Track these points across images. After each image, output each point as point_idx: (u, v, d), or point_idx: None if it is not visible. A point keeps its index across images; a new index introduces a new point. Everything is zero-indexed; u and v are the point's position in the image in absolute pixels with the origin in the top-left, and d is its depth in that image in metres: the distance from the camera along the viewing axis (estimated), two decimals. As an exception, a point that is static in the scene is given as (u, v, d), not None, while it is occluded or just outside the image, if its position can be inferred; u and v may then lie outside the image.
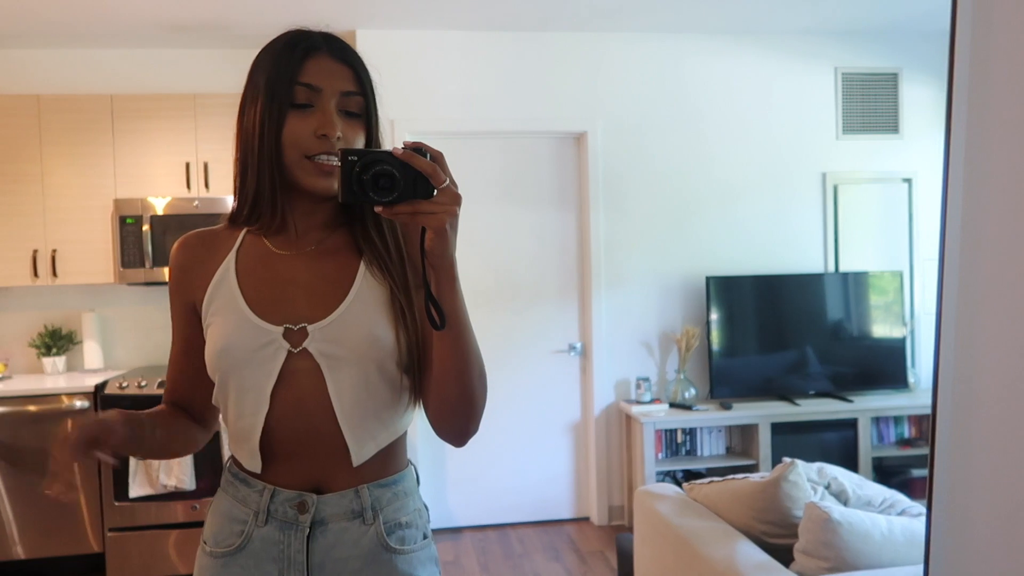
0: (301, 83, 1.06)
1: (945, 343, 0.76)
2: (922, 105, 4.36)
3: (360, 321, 1.07)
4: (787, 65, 4.27)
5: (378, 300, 1.09)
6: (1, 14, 3.54)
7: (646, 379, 4.03)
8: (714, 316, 4.03)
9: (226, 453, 3.45)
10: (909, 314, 4.32)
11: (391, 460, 1.14)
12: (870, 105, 4.33)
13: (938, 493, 0.83)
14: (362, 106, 1.10)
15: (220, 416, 1.17)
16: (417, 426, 3.44)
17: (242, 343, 1.07)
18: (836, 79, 4.30)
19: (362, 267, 1.11)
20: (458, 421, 1.07)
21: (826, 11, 3.90)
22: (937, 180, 4.36)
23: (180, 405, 1.20)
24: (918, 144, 4.35)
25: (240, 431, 1.10)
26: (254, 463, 1.10)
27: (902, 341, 4.17)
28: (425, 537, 1.16)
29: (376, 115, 1.13)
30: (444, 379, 1.04)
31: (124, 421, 1.02)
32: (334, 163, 1.06)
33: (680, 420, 3.88)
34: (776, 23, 4.07)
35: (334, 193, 1.06)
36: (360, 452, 1.08)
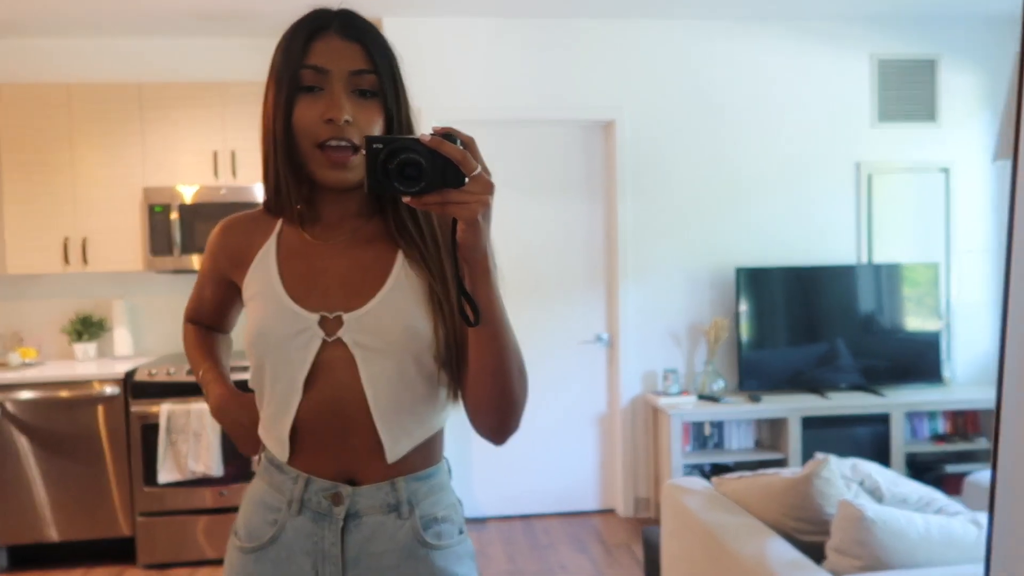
0: (307, 65, 1.03)
1: (1012, 336, 0.71)
2: (961, 92, 4.24)
3: (397, 312, 1.05)
4: (820, 51, 4.17)
5: (416, 291, 1.06)
6: (33, 5, 3.56)
7: (674, 371, 3.98)
8: (744, 308, 3.97)
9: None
10: (945, 307, 4.22)
11: (427, 453, 1.11)
12: (906, 92, 4.22)
13: (1001, 494, 0.78)
14: (375, 84, 1.05)
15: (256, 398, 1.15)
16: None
17: (278, 329, 1.05)
18: (872, 66, 4.19)
19: (400, 257, 1.08)
20: (496, 418, 1.04)
21: (862, -4, 3.80)
22: (977, 169, 4.25)
23: (201, 323, 1.33)
24: (956, 133, 4.24)
25: (271, 417, 1.08)
26: (281, 451, 1.08)
27: (937, 334, 4.08)
28: (461, 532, 1.13)
29: (396, 95, 1.07)
30: (481, 375, 1.01)
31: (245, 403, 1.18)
32: (343, 145, 1.02)
33: (708, 412, 3.83)
34: (809, 8, 3.97)
35: (348, 185, 1.04)
36: (395, 448, 1.05)
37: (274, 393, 1.07)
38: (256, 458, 1.18)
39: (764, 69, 4.14)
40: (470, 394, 1.05)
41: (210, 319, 1.32)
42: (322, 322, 1.05)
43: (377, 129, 1.06)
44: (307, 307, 1.06)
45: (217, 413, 1.20)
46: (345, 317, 1.05)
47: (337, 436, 1.06)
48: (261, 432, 1.13)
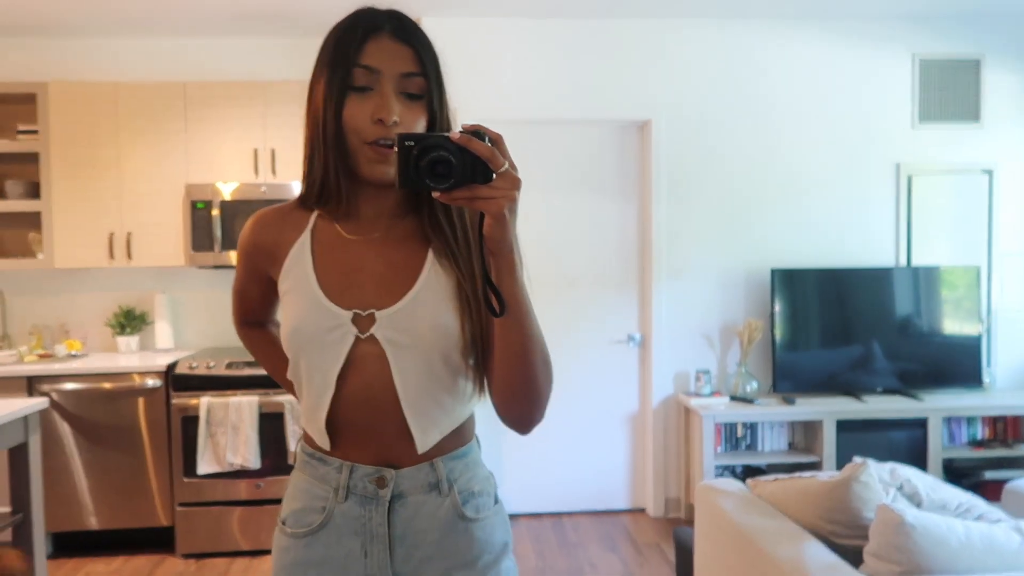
0: (360, 65, 1.05)
1: None
2: (1006, 92, 4.16)
3: (427, 310, 1.08)
4: (860, 51, 4.12)
5: (445, 289, 1.09)
6: (84, 6, 3.66)
7: (706, 372, 3.97)
8: (778, 309, 3.94)
9: (289, 435, 3.53)
10: (986, 311, 4.15)
11: (460, 435, 1.16)
12: (949, 93, 4.16)
13: None
14: (423, 87, 1.08)
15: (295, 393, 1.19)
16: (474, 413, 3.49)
17: (312, 325, 1.08)
18: (913, 65, 4.13)
19: (430, 255, 1.11)
20: (522, 408, 1.07)
21: (904, -5, 3.75)
22: (1021, 171, 4.17)
23: (253, 321, 1.34)
24: (1001, 133, 4.17)
25: (310, 409, 1.12)
26: (323, 440, 1.12)
27: (977, 339, 4.02)
28: (496, 502, 1.19)
29: (440, 97, 1.10)
30: (506, 365, 1.04)
31: None
32: (390, 144, 1.05)
33: (741, 414, 3.81)
34: (849, 7, 3.93)
35: (390, 180, 1.06)
36: (424, 440, 1.09)
37: (311, 387, 1.10)
38: (292, 454, 1.23)
39: (802, 69, 4.11)
40: (496, 384, 1.08)
41: (258, 315, 1.34)
42: (355, 319, 1.08)
43: (421, 130, 1.09)
44: (341, 304, 1.09)
45: None
46: (378, 315, 1.08)
47: (371, 427, 1.10)
48: (303, 422, 1.17)
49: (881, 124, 4.15)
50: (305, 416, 1.15)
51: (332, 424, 1.10)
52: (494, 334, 1.05)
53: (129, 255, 3.91)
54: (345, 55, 1.06)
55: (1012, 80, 4.16)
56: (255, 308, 1.32)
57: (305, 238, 1.14)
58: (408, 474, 1.10)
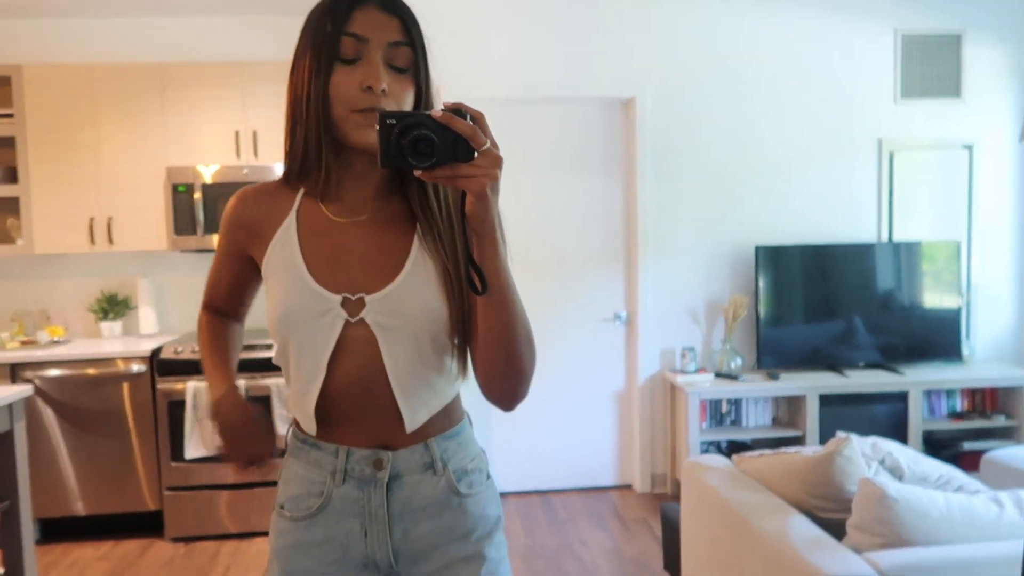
0: (347, 33, 1.04)
1: None
2: (987, 67, 4.18)
3: (417, 293, 1.08)
4: (844, 27, 4.13)
5: (432, 272, 1.09)
6: (54, -16, 3.58)
7: (691, 349, 4.00)
8: (762, 286, 3.97)
9: (276, 418, 3.53)
10: (965, 285, 4.20)
11: (451, 415, 1.17)
12: (930, 68, 4.17)
13: None
14: (410, 59, 1.07)
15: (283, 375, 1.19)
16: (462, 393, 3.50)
17: (302, 310, 1.08)
18: (895, 41, 4.14)
19: (417, 237, 1.11)
20: (506, 385, 1.08)
21: (887, -30, 3.75)
22: (1001, 145, 4.21)
23: (218, 309, 1.32)
24: (981, 108, 4.19)
25: (298, 394, 1.12)
26: (310, 426, 1.13)
27: (956, 312, 4.07)
28: (488, 477, 1.21)
29: (426, 70, 1.10)
30: (490, 343, 1.05)
31: (250, 414, 1.22)
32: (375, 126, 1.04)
33: (725, 390, 3.85)
34: (833, -17, 3.92)
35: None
36: (413, 419, 1.11)
37: (300, 372, 1.11)
38: (280, 438, 1.23)
39: (786, 46, 4.11)
40: (480, 363, 1.09)
41: (226, 304, 1.31)
42: (344, 303, 1.08)
43: (409, 102, 1.09)
44: (330, 288, 1.09)
45: (213, 414, 1.22)
46: (367, 299, 1.08)
47: (362, 410, 1.11)
48: (291, 407, 1.17)
49: (864, 100, 4.16)
50: (293, 400, 1.15)
51: (321, 409, 1.11)
52: (477, 313, 1.05)
53: (110, 240, 3.87)
54: (332, 25, 1.05)
55: (992, 55, 4.18)
56: (223, 294, 1.29)
57: (291, 220, 1.13)
58: (403, 455, 1.12)
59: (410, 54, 1.07)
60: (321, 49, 1.05)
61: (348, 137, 1.06)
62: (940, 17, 4.15)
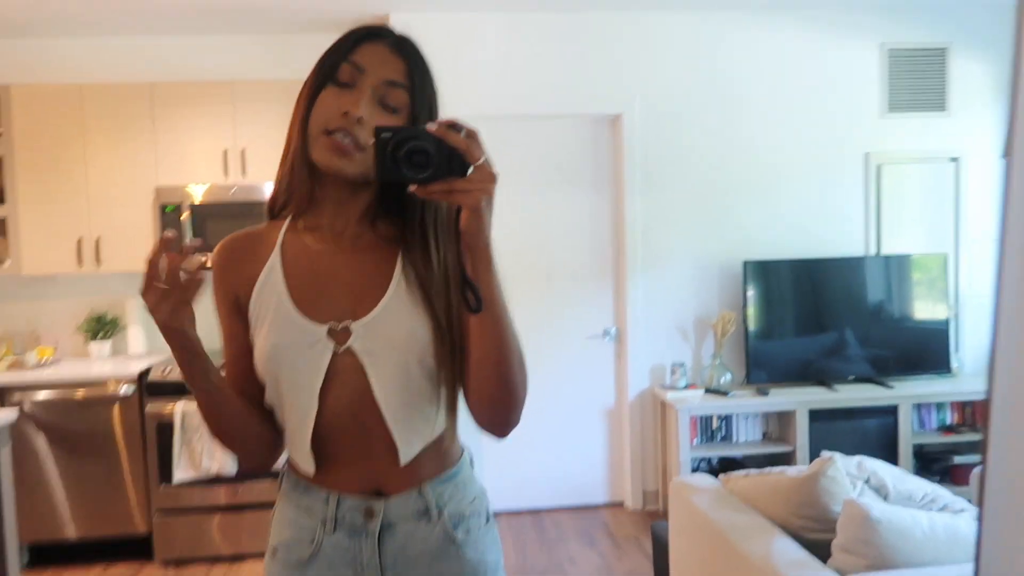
0: (348, 60, 1.05)
1: (1004, 324, 0.73)
2: (973, 81, 4.21)
3: (399, 317, 1.07)
4: (830, 41, 4.15)
5: (415, 294, 1.08)
6: (45, 5, 3.59)
7: (681, 364, 4.00)
8: (751, 300, 3.97)
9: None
10: (954, 297, 4.21)
11: (447, 454, 1.15)
12: (917, 82, 4.20)
13: (991, 493, 0.80)
14: (404, 102, 1.07)
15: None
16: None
17: (289, 344, 1.07)
18: (881, 55, 4.17)
19: (399, 261, 1.10)
20: (498, 410, 1.07)
21: (870, -14, 3.78)
22: (987, 158, 4.23)
23: (250, 391, 1.17)
24: (967, 122, 4.22)
25: (292, 432, 1.10)
26: (307, 465, 1.10)
27: (945, 325, 4.08)
28: (488, 520, 1.18)
29: (422, 117, 1.08)
30: (482, 366, 1.03)
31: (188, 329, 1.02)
32: (347, 140, 1.03)
33: (715, 406, 3.85)
34: (818, -1, 3.95)
35: (342, 175, 1.05)
36: (407, 450, 1.08)
37: (293, 407, 1.09)
38: (278, 482, 1.20)
39: (772, 61, 4.13)
40: (472, 387, 1.07)
41: (251, 384, 1.13)
42: (331, 332, 1.07)
43: None
44: (316, 319, 1.08)
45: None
46: (352, 326, 1.07)
47: (356, 442, 1.09)
48: (288, 448, 1.14)
49: (850, 114, 4.18)
50: (289, 439, 1.12)
51: (316, 445, 1.09)
52: (469, 335, 1.04)
53: (99, 260, 3.87)
54: (337, 50, 1.07)
55: (978, 69, 4.21)
56: (243, 370, 1.12)
57: (275, 255, 1.12)
58: (396, 503, 1.09)
59: (405, 97, 1.06)
60: (320, 70, 1.07)
61: (312, 154, 1.06)
62: (926, 31, 4.18)
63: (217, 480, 3.58)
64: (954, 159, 4.22)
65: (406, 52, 1.08)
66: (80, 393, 3.63)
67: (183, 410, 3.53)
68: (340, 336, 1.07)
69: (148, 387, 3.60)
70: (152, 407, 3.59)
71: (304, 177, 1.08)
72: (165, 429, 3.58)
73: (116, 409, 3.64)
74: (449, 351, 1.08)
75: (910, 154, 4.21)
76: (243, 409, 1.11)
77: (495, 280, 0.98)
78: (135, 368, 3.68)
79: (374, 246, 1.12)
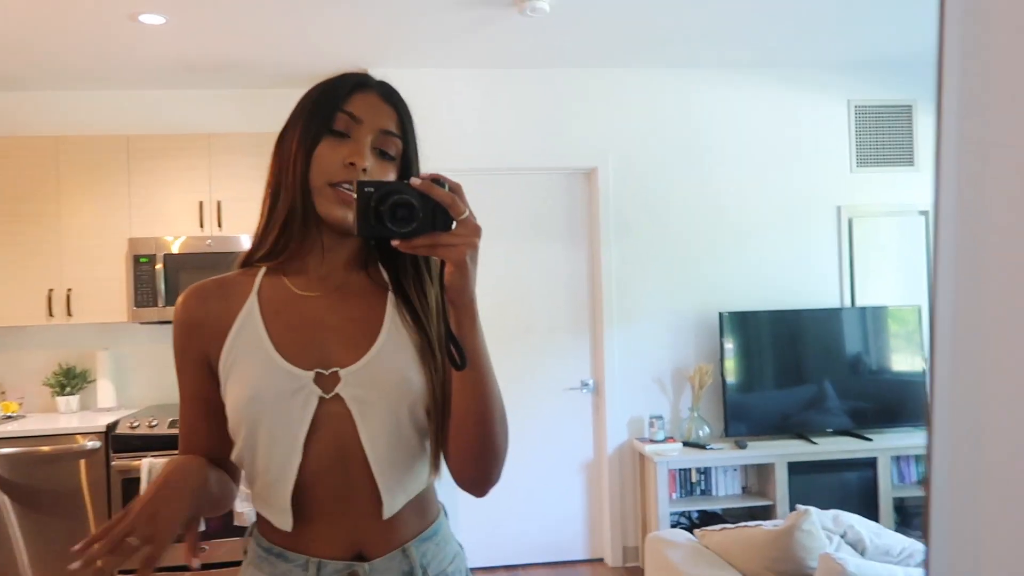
0: (344, 110, 1.05)
1: (939, 397, 0.72)
2: (937, 138, 4.30)
3: (392, 364, 1.04)
4: (800, 98, 4.25)
5: (407, 342, 1.06)
6: (21, 58, 3.62)
7: (659, 417, 3.97)
8: (728, 352, 3.97)
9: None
10: (929, 349, 4.23)
11: (427, 510, 1.11)
12: (885, 137, 4.30)
13: (936, 516, 0.78)
14: (399, 149, 1.08)
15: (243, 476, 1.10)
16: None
17: (271, 390, 1.01)
18: (849, 111, 4.27)
19: (389, 308, 1.08)
20: (480, 468, 1.04)
21: (838, 44, 3.89)
22: (954, 213, 4.30)
23: (203, 453, 1.12)
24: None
25: (269, 485, 1.03)
26: (284, 520, 1.03)
27: (922, 376, 4.09)
28: None
29: (413, 164, 1.10)
30: (464, 422, 1.01)
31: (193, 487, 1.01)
32: (353, 196, 1.01)
33: (694, 459, 3.81)
34: (788, 56, 4.06)
35: (348, 226, 1.03)
36: (392, 504, 1.03)
37: (272, 460, 1.02)
38: (242, 548, 1.12)
39: (745, 116, 4.22)
40: (453, 443, 1.04)
41: (209, 445, 1.09)
42: (318, 379, 1.03)
43: None
44: (301, 364, 1.03)
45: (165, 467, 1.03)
46: (342, 373, 1.03)
47: (339, 496, 1.03)
48: (258, 506, 1.07)
49: (821, 168, 4.26)
50: (260, 497, 1.05)
51: (296, 501, 1.02)
52: (453, 390, 1.01)
53: (69, 312, 3.81)
54: (330, 101, 1.06)
55: (943, 125, 4.31)
56: (202, 434, 1.09)
57: (252, 301, 1.07)
58: (380, 567, 1.03)
59: (399, 145, 1.08)
60: (313, 121, 1.05)
61: (319, 208, 1.04)
62: (891, 89, 4.29)
63: (182, 537, 3.46)
64: (923, 212, 4.29)
65: (395, 101, 1.09)
66: (46, 448, 3.54)
67: (150, 465, 3.44)
68: (327, 382, 1.02)
69: (114, 441, 3.52)
70: (118, 462, 3.50)
71: (300, 229, 1.06)
72: (131, 485, 3.48)
73: (83, 464, 3.55)
74: (438, 404, 1.05)
75: (880, 207, 4.28)
76: (223, 484, 1.09)
77: (479, 336, 0.97)
78: (103, 421, 3.60)
79: (362, 292, 1.10)
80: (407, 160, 1.09)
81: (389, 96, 1.09)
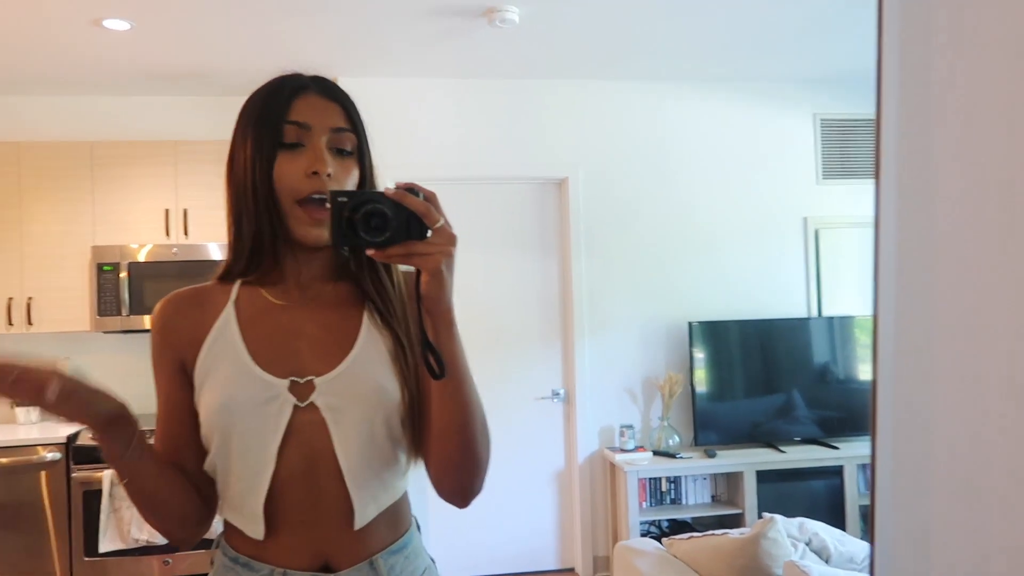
0: (289, 121, 1.02)
1: (882, 399, 0.73)
2: (901, 150, 4.39)
3: (367, 373, 1.03)
4: (767, 112, 4.31)
5: (382, 351, 1.05)
6: (-18, 63, 3.55)
7: (630, 426, 3.98)
8: (698, 361, 4.00)
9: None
10: (872, 356, 4.29)
11: (398, 522, 1.10)
12: (849, 150, 4.37)
13: (880, 519, 0.79)
14: (355, 144, 1.06)
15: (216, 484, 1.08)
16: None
17: (245, 398, 1.01)
18: (815, 125, 4.34)
19: (366, 317, 1.07)
20: (461, 478, 1.03)
21: (804, 59, 3.96)
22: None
23: (174, 458, 1.09)
24: (898, 189, 4.38)
25: (241, 494, 1.03)
26: (256, 529, 1.02)
27: (887, 386, 4.14)
28: None
29: (369, 154, 1.09)
30: (445, 433, 0.99)
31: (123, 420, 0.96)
32: (326, 207, 0.99)
33: (664, 468, 3.82)
34: (755, 70, 4.12)
35: (325, 243, 1.03)
36: (363, 514, 1.03)
37: (244, 466, 1.02)
38: (210, 558, 1.11)
39: (713, 128, 4.26)
40: (434, 455, 1.03)
41: (183, 454, 1.07)
42: (292, 387, 1.02)
43: (353, 185, 1.07)
44: (275, 373, 1.02)
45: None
46: (317, 381, 1.02)
47: (308, 505, 1.02)
48: (228, 514, 1.06)
49: (788, 180, 4.32)
50: (231, 505, 1.05)
51: (268, 508, 1.01)
52: (431, 401, 1.00)
53: (30, 320, 3.74)
54: (273, 113, 1.03)
55: (906, 139, 4.39)
56: (179, 443, 1.06)
57: (228, 311, 1.07)
58: None
59: (354, 139, 1.06)
60: (262, 139, 1.02)
61: (293, 232, 1.03)
62: (855, 102, 4.37)
63: (146, 551, 3.41)
64: (889, 224, 4.36)
65: (336, 95, 1.07)
66: (5, 460, 3.45)
67: (112, 476, 3.37)
68: (302, 391, 1.02)
69: (75, 452, 3.45)
70: (79, 474, 3.43)
71: (271, 248, 1.05)
72: (92, 497, 3.41)
73: (44, 476, 3.48)
74: (414, 412, 1.05)
75: (846, 219, 4.34)
76: (173, 479, 1.04)
77: (457, 344, 0.96)
78: (63, 432, 3.53)
79: (338, 301, 1.09)
80: (361, 150, 1.08)
81: (329, 92, 1.07)
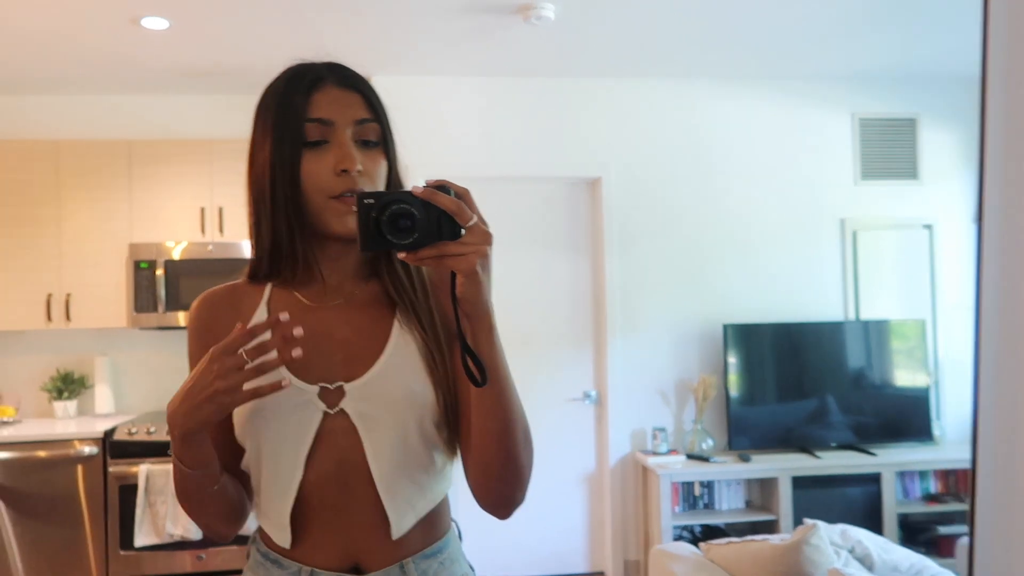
0: (311, 119, 0.98)
1: (985, 394, 0.69)
2: (942, 151, 4.30)
3: (398, 378, 1.00)
4: (803, 110, 4.24)
5: (414, 354, 1.01)
6: (22, 63, 3.60)
7: (662, 429, 3.94)
8: (732, 365, 3.94)
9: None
10: (933, 364, 4.21)
11: (435, 526, 1.05)
12: (888, 151, 4.28)
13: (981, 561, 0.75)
14: (379, 133, 1.02)
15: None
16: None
17: (274, 404, 0.98)
18: (853, 124, 4.26)
19: (397, 319, 1.04)
20: (503, 488, 0.99)
21: (842, 56, 3.89)
22: (959, 226, 4.29)
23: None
24: (938, 190, 4.29)
25: (270, 500, 1.01)
26: (283, 536, 1.00)
27: (926, 392, 4.06)
28: None
29: (393, 141, 1.05)
30: (486, 442, 0.96)
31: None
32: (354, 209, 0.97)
33: (697, 472, 3.77)
34: (791, 68, 4.05)
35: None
36: (400, 523, 1.00)
37: (275, 472, 1.00)
38: (246, 552, 1.10)
39: (749, 127, 4.20)
40: (474, 463, 1.00)
41: (225, 454, 1.05)
42: (322, 393, 0.99)
43: (383, 176, 1.03)
44: (306, 379, 1.00)
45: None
46: (347, 387, 1.00)
47: (340, 513, 1.00)
48: (259, 518, 1.05)
49: (825, 180, 4.24)
50: (262, 509, 1.03)
51: (295, 515, 1.00)
52: (471, 407, 0.96)
53: (68, 316, 3.79)
54: (292, 112, 0.99)
55: (947, 139, 4.30)
56: (215, 434, 1.03)
57: (261, 312, 1.05)
58: None
59: (378, 128, 1.02)
60: (284, 139, 0.99)
61: (329, 227, 0.99)
62: (895, 102, 4.28)
63: (180, 545, 3.43)
64: (927, 226, 4.27)
65: (354, 83, 1.03)
66: (42, 453, 3.50)
67: (148, 471, 3.41)
68: (332, 397, 0.99)
69: (112, 447, 3.48)
70: (115, 468, 3.46)
71: (298, 245, 1.02)
72: (128, 492, 3.44)
73: (80, 470, 3.52)
74: (450, 414, 1.01)
75: (884, 220, 4.26)
76: (225, 483, 1.02)
77: (497, 348, 0.91)
78: (101, 427, 3.57)
79: (370, 302, 1.06)
80: (386, 140, 1.04)
81: (348, 81, 1.02)
